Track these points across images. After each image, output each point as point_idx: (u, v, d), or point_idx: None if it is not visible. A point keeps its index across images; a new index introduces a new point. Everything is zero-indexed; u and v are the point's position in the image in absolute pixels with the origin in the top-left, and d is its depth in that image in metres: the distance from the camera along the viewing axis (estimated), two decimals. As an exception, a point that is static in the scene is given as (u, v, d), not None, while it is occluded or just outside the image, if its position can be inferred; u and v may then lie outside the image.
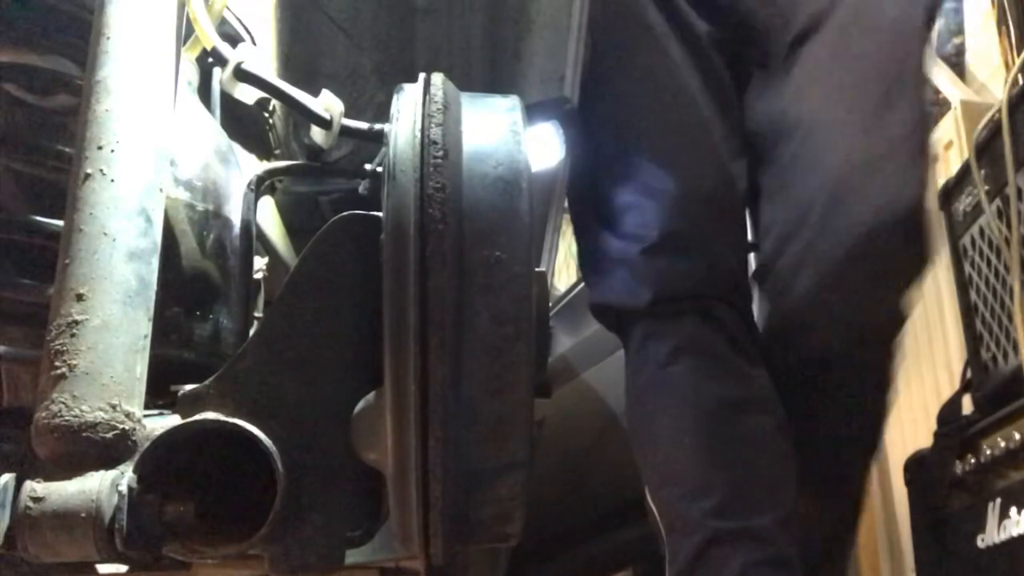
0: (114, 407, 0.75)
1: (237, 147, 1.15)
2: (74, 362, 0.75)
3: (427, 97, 0.84)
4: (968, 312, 1.47)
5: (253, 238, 1.07)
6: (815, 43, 1.28)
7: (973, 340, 1.45)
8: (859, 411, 1.32)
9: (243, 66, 1.00)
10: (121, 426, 0.75)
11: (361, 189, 1.10)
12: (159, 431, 0.78)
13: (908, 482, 1.50)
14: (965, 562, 1.33)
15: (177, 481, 0.80)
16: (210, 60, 1.06)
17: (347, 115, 1.03)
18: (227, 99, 1.09)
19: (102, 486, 0.72)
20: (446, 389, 0.76)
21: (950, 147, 2.15)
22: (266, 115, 1.29)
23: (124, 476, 0.74)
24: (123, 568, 0.80)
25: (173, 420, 0.81)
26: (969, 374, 1.46)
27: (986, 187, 1.38)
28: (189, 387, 0.83)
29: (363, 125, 1.05)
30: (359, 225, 0.86)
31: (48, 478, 0.73)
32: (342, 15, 1.28)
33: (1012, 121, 1.31)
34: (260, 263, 1.14)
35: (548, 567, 2.12)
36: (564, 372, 2.03)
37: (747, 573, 1.12)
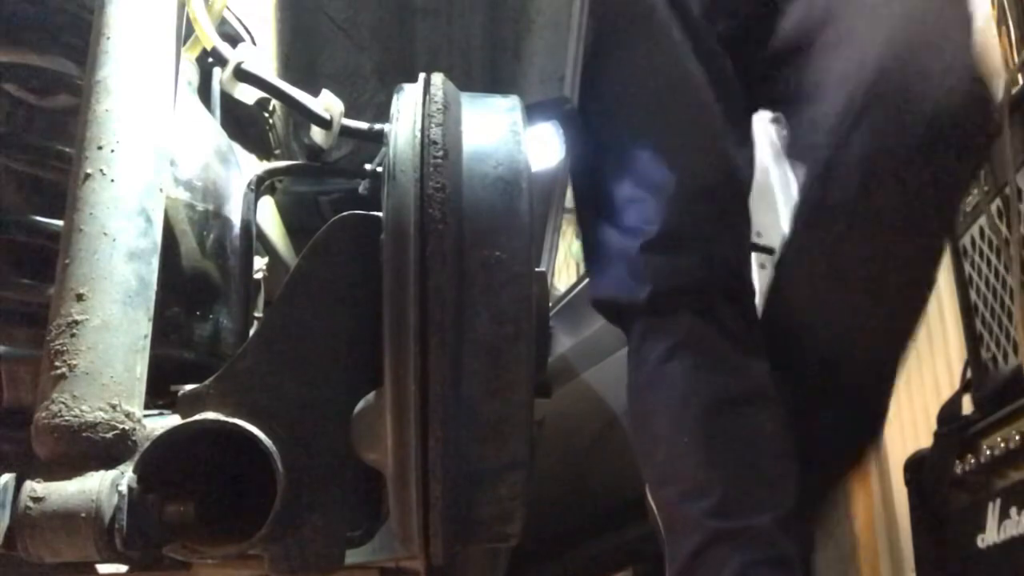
0: (114, 407, 0.75)
1: (237, 147, 1.15)
2: (74, 362, 0.75)
3: (427, 97, 0.84)
4: (968, 312, 1.47)
5: (253, 238, 1.07)
6: None
7: (973, 340, 1.45)
8: (858, 404, 1.31)
9: (243, 66, 1.00)
10: (121, 426, 0.75)
11: (361, 189, 1.10)
12: (159, 431, 0.78)
13: (908, 482, 1.50)
14: (965, 562, 1.33)
15: (177, 481, 0.80)
16: (210, 60, 1.06)
17: (347, 115, 1.03)
18: (227, 99, 1.09)
19: (102, 486, 0.72)
20: (446, 389, 0.76)
21: (950, 147, 2.15)
22: (266, 115, 1.28)
23: (124, 476, 0.74)
24: (123, 568, 0.80)
25: (173, 420, 0.81)
26: (969, 374, 1.46)
27: (986, 187, 1.38)
28: (189, 387, 0.83)
29: (363, 125, 1.05)
30: (359, 225, 0.86)
31: (48, 478, 0.73)
32: (342, 15, 1.28)
33: (1012, 121, 1.31)
34: (260, 263, 1.13)
35: (548, 567, 2.12)
36: (564, 372, 2.03)
37: (746, 573, 1.12)
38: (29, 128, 0.98)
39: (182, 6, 0.92)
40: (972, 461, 1.33)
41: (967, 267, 1.48)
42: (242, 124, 1.26)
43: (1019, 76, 1.32)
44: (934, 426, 1.46)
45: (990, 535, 1.28)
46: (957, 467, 1.36)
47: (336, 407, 0.83)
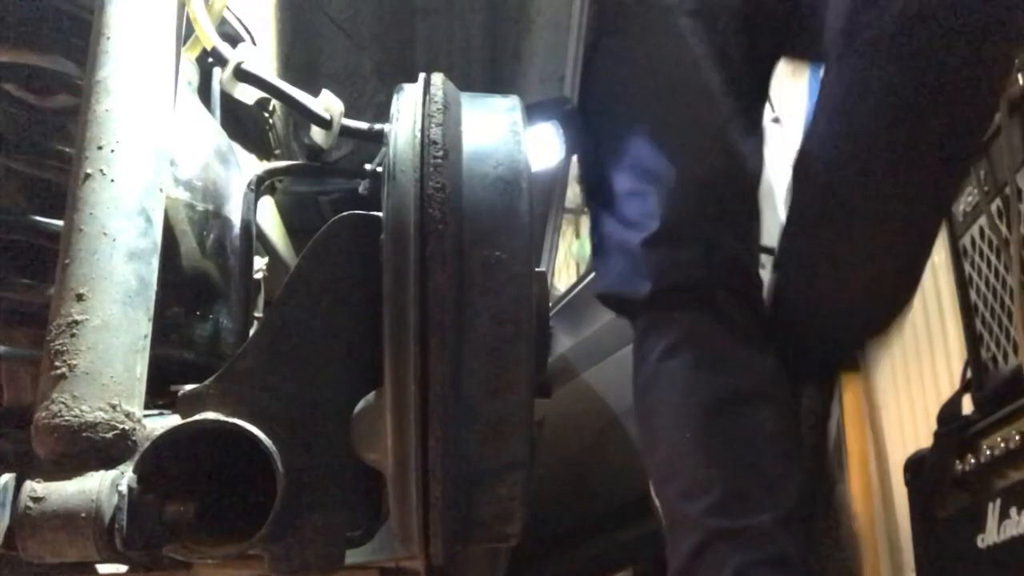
0: (114, 407, 0.75)
1: (237, 147, 1.15)
2: (74, 362, 0.75)
3: (427, 97, 0.84)
4: (968, 312, 1.47)
5: (253, 238, 1.07)
6: None
7: (973, 340, 1.45)
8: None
9: (243, 66, 1.00)
10: (121, 426, 0.75)
11: (361, 189, 1.10)
12: (159, 431, 0.78)
13: (908, 482, 1.50)
14: (965, 562, 1.33)
15: (177, 481, 0.80)
16: (210, 60, 1.06)
17: (347, 115, 1.03)
18: (227, 99, 1.09)
19: (102, 486, 0.72)
20: (446, 389, 0.76)
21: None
22: (266, 115, 1.29)
23: (124, 476, 0.74)
24: (123, 568, 0.80)
25: (173, 420, 0.81)
26: (969, 374, 1.46)
27: (986, 187, 1.38)
28: (189, 387, 0.83)
29: (363, 125, 1.05)
30: (359, 225, 0.86)
31: (48, 478, 0.73)
32: (342, 15, 1.28)
33: (1012, 121, 1.31)
34: (260, 263, 1.14)
35: (548, 567, 2.12)
36: (564, 372, 2.03)
37: (745, 573, 1.12)
38: (29, 128, 0.98)
39: (182, 6, 0.92)
40: (972, 461, 1.33)
41: (967, 267, 1.48)
42: (242, 124, 1.26)
43: (1019, 76, 1.32)
44: (934, 426, 1.46)
45: (990, 535, 1.27)
46: (957, 467, 1.35)
47: (336, 407, 0.83)
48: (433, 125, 0.81)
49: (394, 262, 0.77)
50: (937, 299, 2.06)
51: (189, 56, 1.09)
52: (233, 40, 1.11)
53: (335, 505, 0.83)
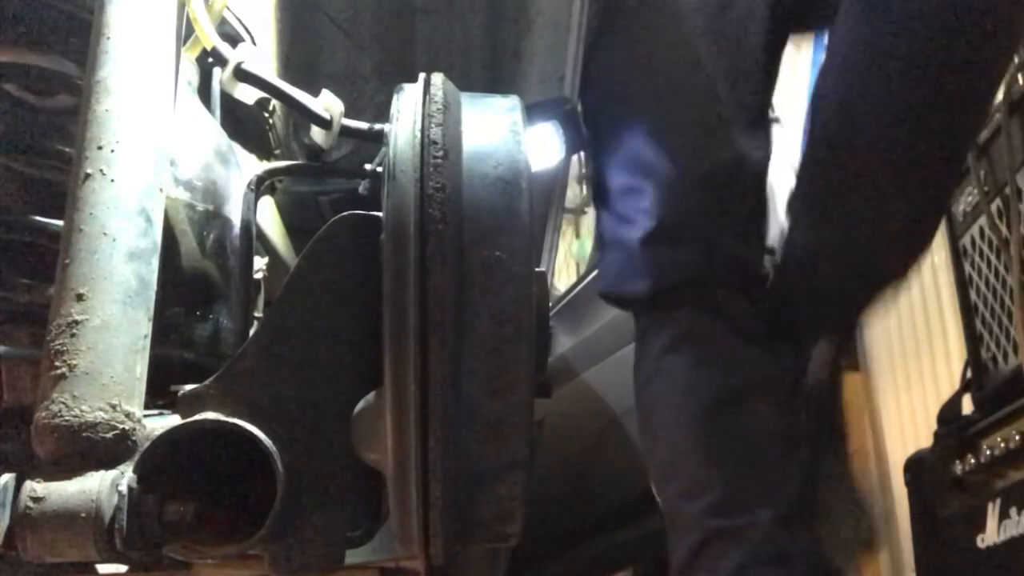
0: (114, 407, 0.75)
1: (237, 147, 1.15)
2: (74, 362, 0.75)
3: (427, 97, 0.84)
4: (968, 312, 1.47)
5: (253, 238, 1.07)
6: None
7: (973, 340, 1.45)
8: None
9: (243, 66, 1.00)
10: (121, 426, 0.75)
11: (361, 189, 1.10)
12: (159, 431, 0.78)
13: (908, 482, 1.50)
14: (965, 562, 1.33)
15: (177, 481, 0.80)
16: (210, 60, 1.06)
17: (347, 115, 1.03)
18: (227, 99, 1.09)
19: (102, 486, 0.72)
20: (446, 389, 0.76)
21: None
22: (266, 115, 1.29)
23: (124, 476, 0.74)
24: (123, 568, 0.80)
25: (173, 420, 0.81)
26: (969, 374, 1.46)
27: (986, 187, 1.38)
28: (189, 387, 0.83)
29: (363, 125, 1.05)
30: (359, 225, 0.86)
31: (48, 478, 0.73)
32: (342, 15, 1.28)
33: (1011, 121, 1.31)
34: (260, 263, 1.14)
35: (548, 567, 2.12)
36: (564, 372, 2.03)
37: (746, 572, 1.12)
38: (29, 128, 0.98)
39: (182, 6, 0.92)
40: (972, 461, 1.33)
41: (967, 267, 1.48)
42: (242, 124, 1.26)
43: (1019, 76, 1.32)
44: (934, 426, 1.46)
45: (990, 535, 1.27)
46: (957, 467, 1.36)
47: (336, 407, 0.83)
48: (433, 125, 0.81)
49: (394, 262, 0.77)
50: (937, 299, 2.06)
51: (189, 56, 1.09)
52: (233, 40, 1.11)
53: (335, 505, 0.83)
